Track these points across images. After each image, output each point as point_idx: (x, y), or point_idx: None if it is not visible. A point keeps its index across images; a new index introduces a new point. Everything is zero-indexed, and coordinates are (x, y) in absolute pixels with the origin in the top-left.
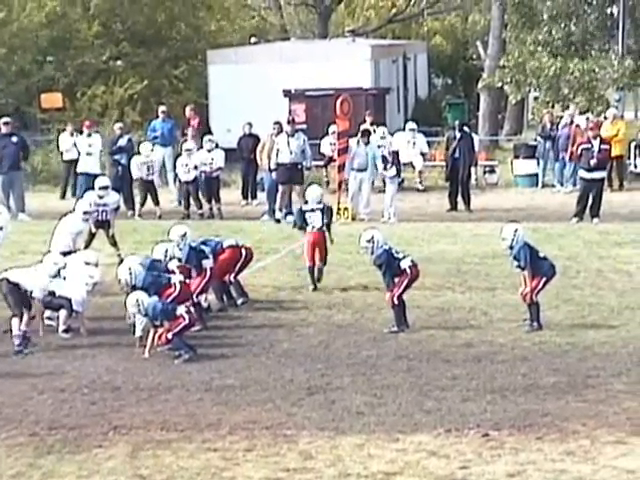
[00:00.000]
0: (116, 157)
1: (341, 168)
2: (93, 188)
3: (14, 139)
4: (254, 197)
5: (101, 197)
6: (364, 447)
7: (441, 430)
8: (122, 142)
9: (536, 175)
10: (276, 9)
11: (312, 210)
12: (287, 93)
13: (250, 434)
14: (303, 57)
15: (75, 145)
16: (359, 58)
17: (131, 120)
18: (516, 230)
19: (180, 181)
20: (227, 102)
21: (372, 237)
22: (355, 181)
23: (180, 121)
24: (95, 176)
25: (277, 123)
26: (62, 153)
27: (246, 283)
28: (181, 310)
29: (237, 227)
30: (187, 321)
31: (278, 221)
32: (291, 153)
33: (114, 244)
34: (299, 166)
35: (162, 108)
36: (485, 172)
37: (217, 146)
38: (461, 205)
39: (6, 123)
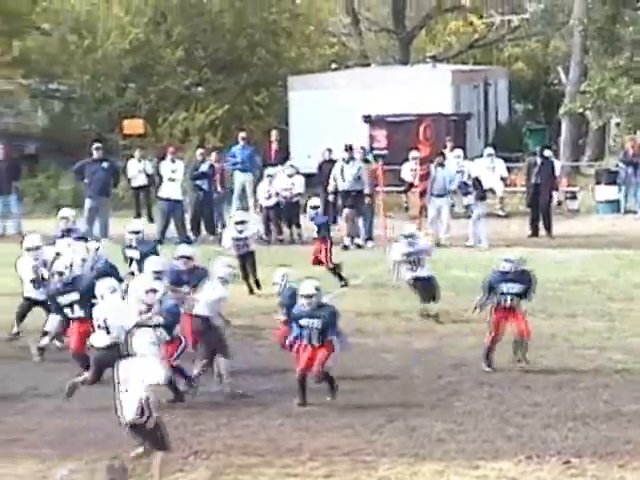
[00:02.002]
0: (198, 182)
1: (422, 194)
2: (173, 213)
3: (105, 165)
4: (334, 222)
5: (240, 232)
6: (444, 474)
7: (522, 457)
8: (204, 167)
9: (618, 201)
10: (356, 35)
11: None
12: (367, 119)
13: (330, 460)
14: (383, 83)
15: (143, 171)
16: (440, 83)
17: (212, 146)
18: None
19: (261, 207)
20: (307, 128)
21: (283, 276)
22: (434, 207)
23: (260, 147)
24: (177, 202)
25: (347, 149)
26: (129, 180)
27: None
28: None
29: None
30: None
31: (346, 247)
32: (344, 180)
33: (254, 277)
34: (356, 193)
35: (242, 134)
36: (566, 198)
37: (298, 172)
38: (542, 231)
39: (98, 148)
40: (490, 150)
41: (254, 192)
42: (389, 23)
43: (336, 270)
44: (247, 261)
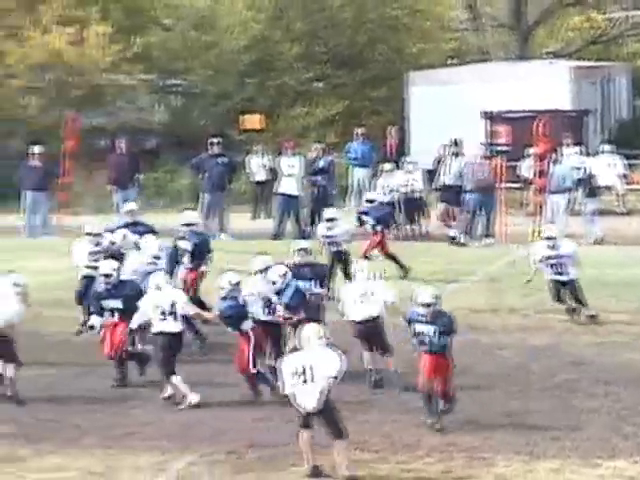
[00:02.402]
0: (315, 178)
1: (540, 191)
2: (290, 208)
3: (222, 160)
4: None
5: (329, 229)
6: (560, 472)
7: (639, 457)
8: (322, 163)
9: None
10: (475, 30)
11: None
12: (487, 114)
13: (446, 456)
14: (502, 78)
15: (265, 166)
16: (559, 79)
17: (330, 141)
18: None
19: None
20: (426, 123)
21: (285, 273)
22: (551, 203)
23: (378, 142)
24: (294, 197)
25: (454, 144)
26: (249, 175)
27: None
28: None
29: (437, 249)
30: None
31: (453, 239)
32: (447, 174)
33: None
34: (457, 189)
35: (360, 130)
36: None
37: (417, 167)
38: None
39: (217, 143)
40: (608, 147)
41: (371, 188)
42: (508, 18)
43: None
44: (336, 260)
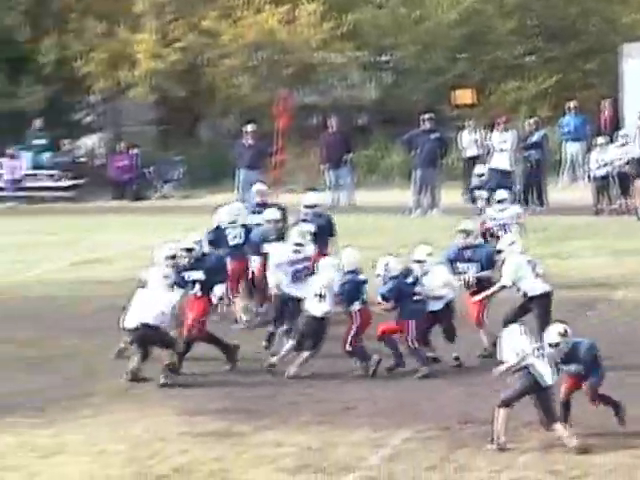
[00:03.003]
0: (528, 153)
1: None
2: (503, 184)
3: (434, 135)
4: None
5: (500, 211)
6: None
7: None
8: (535, 138)
9: None
10: None
11: None
12: None
13: None
14: None
15: (476, 142)
16: None
17: (543, 115)
18: None
19: (592, 177)
20: None
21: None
22: None
23: (591, 116)
24: (506, 172)
25: None
26: (461, 150)
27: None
28: None
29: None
30: None
31: None
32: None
33: None
34: None
35: (572, 103)
36: None
37: (630, 140)
38: None
39: (429, 119)
40: None
41: (584, 162)
42: None
43: None
44: None
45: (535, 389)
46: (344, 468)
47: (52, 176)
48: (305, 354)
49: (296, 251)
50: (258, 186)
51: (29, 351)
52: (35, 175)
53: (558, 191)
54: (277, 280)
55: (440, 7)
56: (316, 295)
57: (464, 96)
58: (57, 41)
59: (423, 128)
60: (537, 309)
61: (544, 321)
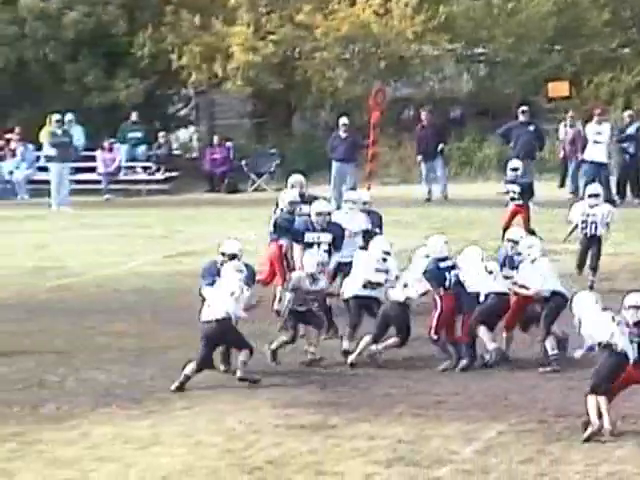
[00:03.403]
0: (624, 145)
1: None
2: (598, 175)
3: (531, 127)
4: None
5: (591, 206)
6: None
7: None
8: (631, 130)
9: None
10: None
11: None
12: None
13: None
14: None
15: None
16: None
17: (638, 108)
18: None
19: None
20: None
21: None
22: None
23: None
24: (602, 165)
25: None
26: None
27: None
28: None
29: None
30: None
31: None
32: None
33: (594, 268)
34: None
35: None
36: None
37: None
38: None
39: (524, 112)
40: None
41: None
42: None
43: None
44: (591, 245)
45: (623, 367)
46: (437, 461)
47: (147, 169)
48: (392, 340)
49: (384, 259)
50: (297, 177)
51: (126, 343)
52: (131, 168)
53: None
54: (353, 287)
55: None
56: (404, 284)
57: (559, 88)
58: (153, 34)
59: (520, 120)
60: (547, 309)
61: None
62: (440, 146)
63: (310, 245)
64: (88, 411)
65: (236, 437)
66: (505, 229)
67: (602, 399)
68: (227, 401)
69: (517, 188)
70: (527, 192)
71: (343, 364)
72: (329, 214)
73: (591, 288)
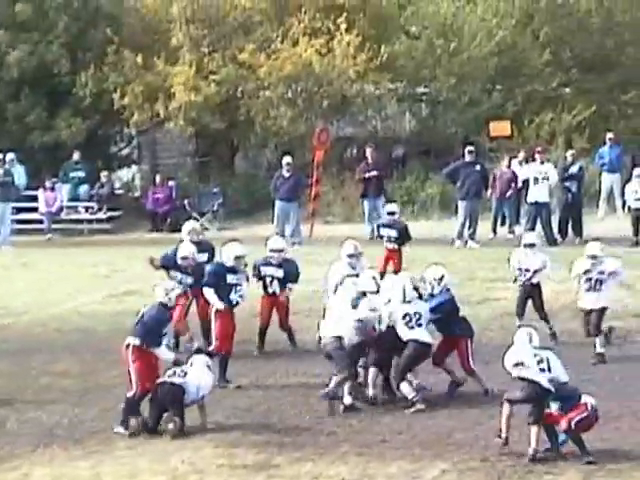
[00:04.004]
0: (566, 184)
1: None
2: (540, 215)
3: (477, 167)
4: None
5: (527, 255)
6: None
7: None
8: (574, 169)
9: None
10: None
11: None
12: None
13: None
14: None
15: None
16: None
17: (578, 147)
18: None
19: (629, 208)
20: None
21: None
22: None
23: (629, 147)
24: (544, 204)
25: None
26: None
27: None
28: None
29: None
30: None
31: None
32: None
33: (544, 318)
34: None
35: (610, 135)
36: None
37: None
38: None
39: (470, 152)
40: None
41: (622, 193)
42: None
43: None
44: (530, 294)
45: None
46: None
47: (90, 208)
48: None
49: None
50: (191, 224)
51: (67, 383)
52: (73, 207)
53: (596, 222)
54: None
55: (475, 39)
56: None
57: (501, 128)
58: (95, 74)
59: (466, 160)
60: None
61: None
62: (383, 186)
63: (263, 279)
64: (29, 452)
65: (179, 477)
66: (382, 274)
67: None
68: (170, 441)
69: (394, 232)
70: (404, 236)
71: (291, 403)
72: (282, 251)
73: (553, 336)
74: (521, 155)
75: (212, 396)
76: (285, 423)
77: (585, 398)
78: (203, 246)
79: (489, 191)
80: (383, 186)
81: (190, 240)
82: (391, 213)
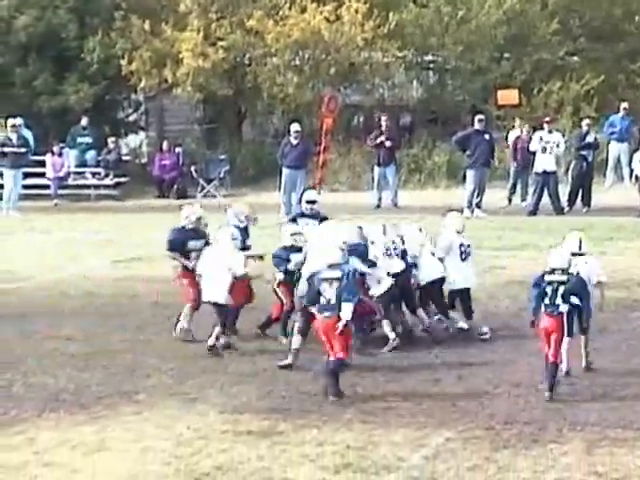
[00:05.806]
0: (583, 153)
1: None
2: (547, 184)
3: (487, 136)
4: None
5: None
6: None
7: None
8: (589, 138)
9: None
10: None
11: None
12: None
13: None
14: None
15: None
16: None
17: (587, 116)
18: None
19: (636, 177)
20: None
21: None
22: None
23: (637, 117)
24: (551, 173)
25: None
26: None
27: None
28: None
29: None
30: None
31: None
32: None
33: None
34: None
35: (624, 104)
36: None
37: None
38: None
39: (481, 120)
40: None
41: (629, 162)
42: None
43: None
44: None
45: None
46: (385, 468)
47: (97, 174)
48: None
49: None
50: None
51: (73, 347)
52: (80, 173)
53: (603, 192)
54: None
55: (484, 7)
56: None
57: (508, 96)
58: (103, 39)
59: (476, 128)
60: None
61: None
62: (395, 153)
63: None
64: (35, 416)
65: (184, 443)
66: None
67: None
68: (175, 407)
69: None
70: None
71: (296, 367)
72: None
73: None
74: (517, 123)
75: (217, 361)
76: (290, 389)
77: None
78: (199, 233)
79: (509, 160)
80: (394, 155)
81: (184, 226)
82: (311, 202)
